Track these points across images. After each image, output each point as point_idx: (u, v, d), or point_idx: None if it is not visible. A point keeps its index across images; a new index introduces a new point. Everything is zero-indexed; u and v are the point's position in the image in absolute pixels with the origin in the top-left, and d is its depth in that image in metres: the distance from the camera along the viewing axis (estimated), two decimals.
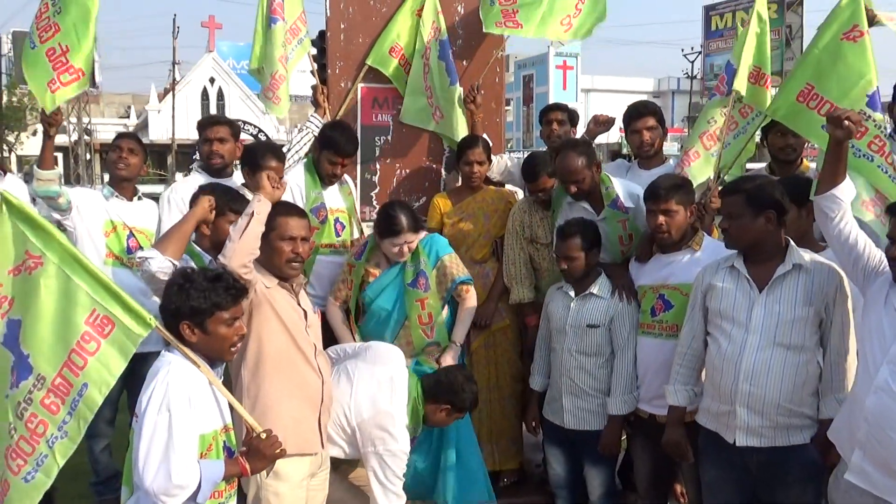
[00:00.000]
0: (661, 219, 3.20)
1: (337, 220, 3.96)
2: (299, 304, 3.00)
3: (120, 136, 4.06)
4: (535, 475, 4.27)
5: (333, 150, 3.85)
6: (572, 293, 3.48)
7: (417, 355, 3.55)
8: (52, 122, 3.64)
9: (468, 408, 3.31)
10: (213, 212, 3.01)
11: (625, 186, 3.66)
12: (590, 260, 3.43)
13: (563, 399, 3.48)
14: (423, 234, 3.68)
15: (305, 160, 4.06)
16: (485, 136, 4.26)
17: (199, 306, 2.40)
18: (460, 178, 4.20)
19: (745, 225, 2.84)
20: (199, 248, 3.09)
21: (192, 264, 2.96)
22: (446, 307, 3.73)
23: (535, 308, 3.90)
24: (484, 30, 4.28)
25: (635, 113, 4.12)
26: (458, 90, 4.30)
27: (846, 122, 2.56)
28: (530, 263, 4.02)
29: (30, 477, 2.40)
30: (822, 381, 2.83)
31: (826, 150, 2.73)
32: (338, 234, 3.95)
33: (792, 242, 2.89)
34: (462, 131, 4.30)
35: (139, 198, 3.99)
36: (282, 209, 2.94)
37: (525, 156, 4.25)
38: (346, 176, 4.09)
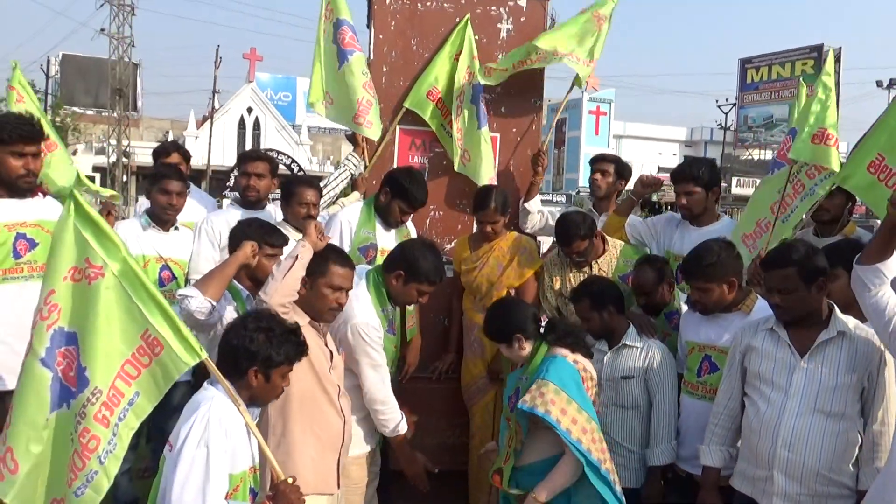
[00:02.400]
0: (696, 294, 3.22)
1: None
2: (326, 345, 3.02)
3: (167, 176, 3.99)
4: None
5: (408, 203, 3.88)
6: (605, 347, 3.46)
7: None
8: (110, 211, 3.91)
9: (426, 274, 3.25)
10: (256, 258, 3.05)
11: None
12: (606, 319, 3.42)
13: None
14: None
15: (367, 199, 4.10)
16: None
17: (275, 357, 2.45)
18: None
19: (802, 298, 2.78)
20: (236, 284, 3.14)
21: (230, 297, 3.01)
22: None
23: None
24: (580, 86, 4.45)
25: (674, 177, 4.06)
26: (487, 133, 4.32)
27: None
28: (557, 313, 4.00)
29: (80, 492, 2.38)
30: (862, 450, 2.76)
31: (882, 223, 2.66)
32: None
33: (836, 308, 2.84)
34: (486, 174, 4.30)
35: (176, 227, 4.01)
36: (335, 257, 2.99)
37: (557, 207, 4.24)
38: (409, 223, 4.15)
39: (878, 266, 2.58)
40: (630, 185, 4.53)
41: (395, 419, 3.31)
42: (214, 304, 2.79)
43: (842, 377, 2.74)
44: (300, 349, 2.55)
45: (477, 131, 4.32)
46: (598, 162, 4.67)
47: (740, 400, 2.98)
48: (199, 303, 2.76)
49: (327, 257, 2.94)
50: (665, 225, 4.16)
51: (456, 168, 4.40)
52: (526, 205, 4.35)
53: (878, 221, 3.25)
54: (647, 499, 3.35)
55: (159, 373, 2.39)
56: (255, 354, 2.44)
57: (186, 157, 4.69)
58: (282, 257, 3.17)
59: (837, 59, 37.15)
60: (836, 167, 3.65)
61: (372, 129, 4.33)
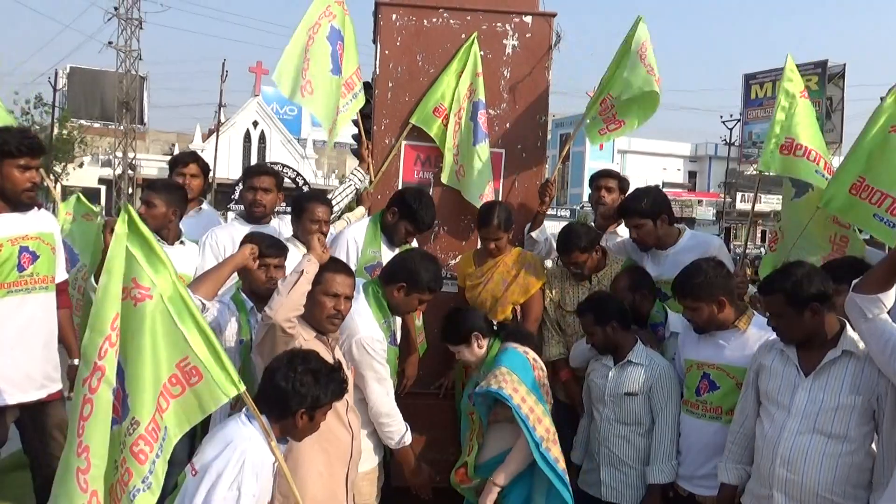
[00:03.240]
0: (687, 314, 3.24)
1: None
2: (334, 359, 3.01)
3: (148, 187, 4.01)
4: None
5: (414, 225, 3.90)
6: (611, 363, 3.45)
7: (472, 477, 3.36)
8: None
9: (427, 284, 3.34)
10: (255, 262, 3.07)
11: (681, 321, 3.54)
12: (610, 333, 3.42)
13: (602, 470, 3.42)
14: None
15: (372, 217, 4.09)
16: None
17: (323, 398, 2.50)
18: None
19: (792, 323, 2.79)
20: (243, 296, 3.14)
21: (235, 309, 3.01)
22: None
23: (565, 363, 3.91)
24: (590, 143, 4.38)
25: (621, 212, 4.07)
26: (484, 149, 4.30)
27: None
28: (557, 327, 4.01)
29: None
30: (874, 473, 2.73)
31: (887, 258, 2.61)
32: None
33: (847, 326, 2.81)
34: (477, 191, 4.27)
35: (181, 241, 3.97)
36: (330, 265, 3.01)
37: (562, 221, 4.25)
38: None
39: (878, 296, 2.55)
40: None
41: (399, 431, 3.32)
42: (206, 302, 2.78)
43: (844, 398, 2.71)
44: (343, 387, 2.60)
45: (472, 147, 4.31)
46: (601, 179, 4.66)
47: (755, 419, 2.97)
48: None
49: (323, 266, 2.95)
50: (633, 250, 4.12)
51: (445, 180, 4.40)
52: (532, 234, 4.33)
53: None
54: None
55: (193, 403, 2.33)
56: (304, 396, 2.46)
57: (205, 170, 4.59)
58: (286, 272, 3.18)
59: (842, 76, 37.26)
60: (808, 178, 3.65)
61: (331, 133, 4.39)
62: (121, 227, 2.30)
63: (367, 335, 3.21)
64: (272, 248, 3.21)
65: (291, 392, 2.45)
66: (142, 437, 2.27)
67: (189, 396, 2.33)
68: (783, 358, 2.87)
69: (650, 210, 3.87)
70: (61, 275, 3.64)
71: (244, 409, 2.49)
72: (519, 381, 3.18)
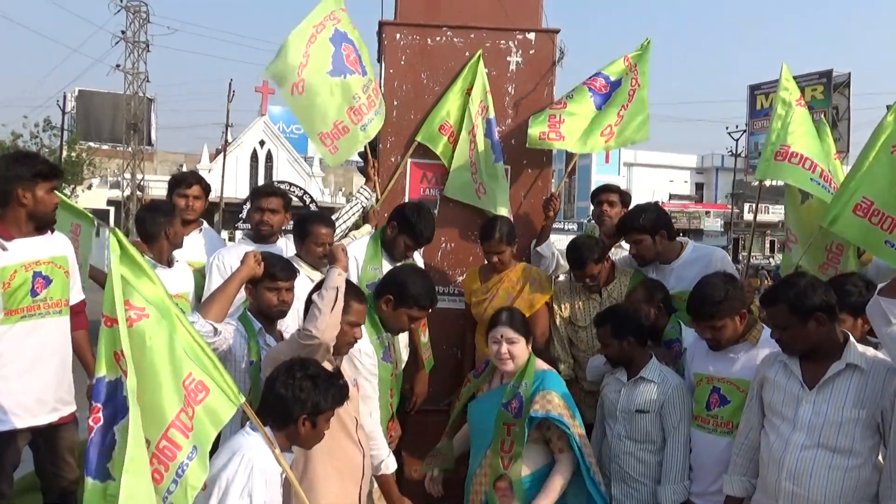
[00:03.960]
0: (709, 334, 3.17)
1: None
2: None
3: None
4: None
5: (413, 239, 3.90)
6: (624, 378, 3.44)
7: (488, 492, 3.24)
8: None
9: (415, 299, 3.27)
10: (261, 266, 3.05)
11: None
12: (626, 347, 3.39)
13: (613, 487, 3.38)
14: (526, 345, 3.32)
15: (373, 234, 4.09)
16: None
17: (323, 404, 2.51)
18: None
19: (796, 334, 2.76)
20: (251, 317, 3.12)
21: (243, 330, 3.01)
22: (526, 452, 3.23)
23: (571, 384, 3.84)
24: (527, 144, 4.37)
25: (620, 229, 4.07)
26: (502, 167, 4.39)
27: None
28: (566, 343, 3.99)
29: None
30: (880, 487, 2.70)
31: None
32: None
33: (851, 339, 2.79)
34: (503, 208, 4.33)
35: (177, 261, 3.95)
36: (354, 293, 3.00)
37: (569, 235, 4.26)
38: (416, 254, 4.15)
39: None
40: None
41: (379, 456, 3.23)
42: (217, 326, 2.77)
43: (848, 412, 2.68)
44: (343, 392, 2.60)
45: (494, 165, 4.36)
46: (602, 194, 4.65)
47: (760, 431, 2.95)
48: (200, 326, 2.74)
49: (347, 294, 2.92)
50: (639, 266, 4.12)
51: (460, 197, 4.43)
52: (538, 249, 4.34)
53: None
54: None
55: (205, 421, 2.33)
56: (304, 402, 2.48)
57: (206, 190, 4.51)
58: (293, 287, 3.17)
59: (847, 85, 37.22)
60: (802, 185, 3.64)
61: (335, 155, 4.24)
62: (114, 250, 2.30)
63: (356, 348, 3.17)
64: (285, 272, 3.16)
65: (292, 399, 2.47)
66: (154, 457, 2.24)
67: (200, 415, 2.33)
68: (786, 371, 2.85)
69: (649, 226, 3.88)
70: (77, 296, 3.65)
71: (248, 423, 2.51)
72: (568, 406, 3.19)
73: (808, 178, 3.71)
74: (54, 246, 3.54)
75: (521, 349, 3.29)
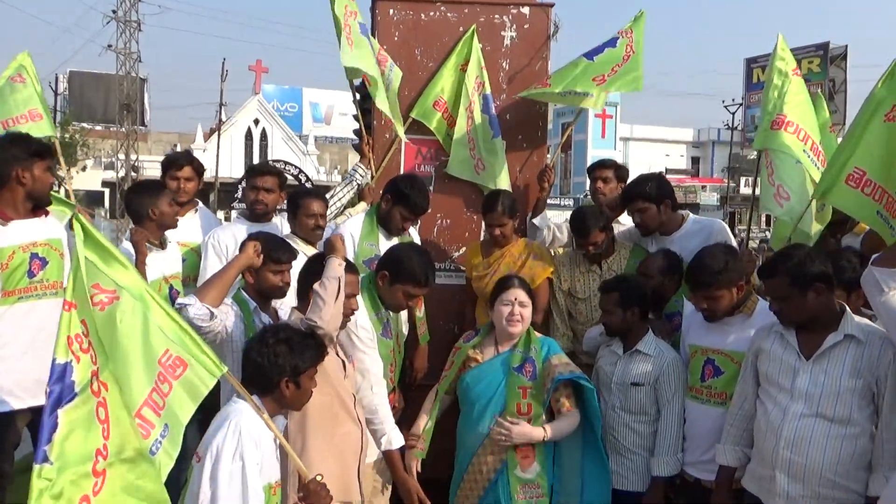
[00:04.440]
0: (705, 304, 3.19)
1: None
2: (338, 354, 3.03)
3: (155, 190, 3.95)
4: None
5: (409, 209, 3.87)
6: (620, 350, 3.46)
7: (508, 456, 3.27)
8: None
9: (410, 275, 3.27)
10: (261, 257, 3.05)
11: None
12: (629, 317, 3.41)
13: (609, 457, 3.41)
14: (530, 307, 3.40)
15: (368, 210, 4.08)
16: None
17: (301, 364, 2.52)
18: None
19: (796, 304, 2.78)
20: (245, 295, 3.13)
21: (239, 310, 3.01)
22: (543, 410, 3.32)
23: (570, 356, 3.88)
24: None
25: (624, 197, 4.05)
26: (500, 142, 4.37)
27: None
28: (566, 316, 4.00)
29: None
30: (873, 455, 2.73)
31: None
32: None
33: (848, 310, 2.82)
34: (503, 182, 4.34)
35: (169, 242, 3.93)
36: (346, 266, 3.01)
37: (566, 211, 4.25)
38: (411, 229, 4.13)
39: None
40: None
41: (382, 431, 3.22)
42: (213, 310, 2.78)
43: (845, 382, 2.71)
44: (321, 350, 2.63)
45: (492, 140, 4.36)
46: (597, 170, 4.63)
47: (754, 402, 2.98)
48: (196, 310, 2.74)
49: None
50: (639, 238, 4.14)
51: (457, 172, 4.42)
52: (534, 221, 4.33)
53: None
54: None
55: (184, 396, 2.37)
56: (282, 367, 2.50)
57: (200, 171, 4.46)
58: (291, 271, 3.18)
59: (844, 57, 37.08)
60: (797, 155, 3.64)
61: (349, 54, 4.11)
62: (78, 236, 2.30)
63: (353, 322, 3.18)
64: (287, 254, 3.16)
65: (269, 365, 2.50)
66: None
67: (178, 390, 2.37)
68: (783, 342, 2.87)
69: (654, 195, 3.88)
70: None
71: (236, 393, 2.53)
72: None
73: (801, 149, 3.72)
74: (50, 228, 3.56)
75: (529, 314, 3.37)
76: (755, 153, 4.00)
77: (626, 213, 4.25)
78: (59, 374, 2.17)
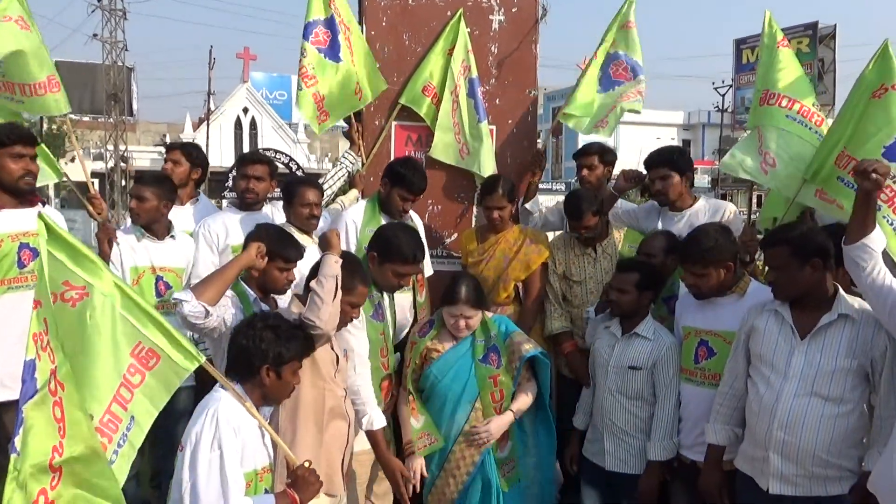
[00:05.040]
0: (692, 280, 3.21)
1: None
2: (332, 349, 3.03)
3: (137, 181, 4.01)
4: None
5: (406, 189, 3.87)
6: (618, 332, 3.46)
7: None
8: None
9: (397, 252, 3.30)
10: (265, 259, 3.00)
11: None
12: (641, 300, 3.42)
13: (605, 440, 3.44)
14: (482, 314, 3.49)
15: (370, 197, 4.06)
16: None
17: (285, 353, 2.50)
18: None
19: (793, 276, 2.80)
20: (245, 287, 3.10)
21: (238, 301, 3.00)
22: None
23: (570, 336, 3.91)
24: (584, 133, 4.45)
25: (648, 163, 4.05)
26: (486, 127, 4.36)
27: (873, 175, 2.54)
28: (561, 299, 4.01)
29: None
30: (871, 432, 2.76)
31: (855, 200, 2.70)
32: None
33: (841, 290, 2.83)
34: (488, 167, 4.32)
35: (172, 236, 3.92)
36: (360, 276, 3.03)
37: (559, 192, 4.25)
38: (411, 212, 4.11)
39: (863, 242, 2.61)
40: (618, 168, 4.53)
41: (363, 412, 3.22)
42: (209, 308, 2.73)
43: (840, 361, 2.73)
44: (308, 344, 2.61)
45: (478, 125, 4.34)
46: (581, 157, 4.54)
47: (745, 381, 2.99)
48: (191, 307, 2.71)
49: (353, 275, 2.95)
50: (646, 215, 4.16)
51: (442, 157, 4.40)
52: (527, 206, 4.33)
53: None
54: (644, 493, 3.35)
55: (156, 386, 2.38)
56: (265, 352, 2.48)
57: (191, 157, 4.43)
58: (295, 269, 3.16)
59: (833, 37, 37.03)
60: (779, 124, 3.66)
61: (325, 122, 4.31)
62: (41, 233, 2.31)
63: None
64: (295, 252, 3.11)
65: (253, 348, 2.48)
66: (98, 430, 2.32)
67: (150, 381, 2.38)
68: (777, 319, 2.89)
69: (680, 164, 3.93)
70: None
71: (217, 383, 2.52)
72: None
73: (783, 116, 3.69)
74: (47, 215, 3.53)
75: (476, 322, 3.44)
76: (746, 134, 3.99)
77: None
78: (28, 371, 2.26)
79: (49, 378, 2.25)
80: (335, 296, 2.77)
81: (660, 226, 3.97)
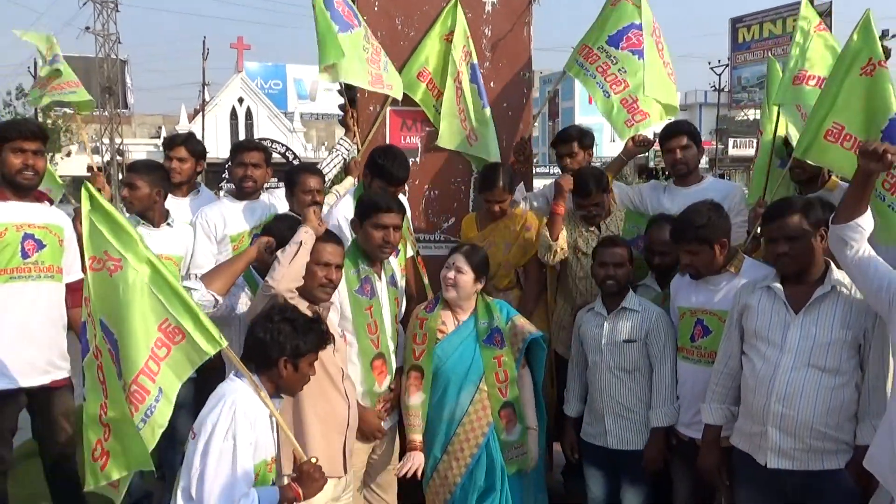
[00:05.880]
0: (687, 259, 3.21)
1: None
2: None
3: (129, 168, 4.00)
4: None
5: (385, 180, 3.80)
6: (604, 311, 3.48)
7: (494, 420, 3.40)
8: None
9: (369, 203, 3.35)
10: (273, 255, 3.02)
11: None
12: (628, 275, 3.47)
13: (606, 420, 3.45)
14: (482, 295, 3.52)
15: (355, 189, 4.04)
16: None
17: (303, 346, 2.53)
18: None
19: (808, 246, 2.80)
20: (255, 273, 3.15)
21: (245, 284, 3.04)
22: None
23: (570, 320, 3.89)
24: (621, 139, 4.25)
25: (669, 132, 4.07)
26: (489, 112, 4.34)
27: (889, 156, 2.47)
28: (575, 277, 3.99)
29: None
30: (859, 405, 2.77)
31: (853, 179, 2.68)
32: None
33: (832, 264, 2.85)
34: (496, 154, 4.31)
35: (169, 223, 3.92)
36: (326, 237, 3.03)
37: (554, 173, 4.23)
38: (400, 196, 4.02)
39: (855, 222, 2.59)
40: (614, 151, 4.52)
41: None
42: (219, 298, 2.82)
43: (836, 333, 2.75)
44: (324, 337, 2.64)
45: (483, 110, 4.32)
46: (560, 145, 4.44)
47: (739, 359, 3.00)
48: (201, 295, 2.79)
49: (320, 237, 2.98)
50: (650, 191, 4.18)
51: (449, 145, 4.37)
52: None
53: None
54: (649, 461, 3.38)
55: (181, 360, 2.47)
56: (283, 345, 2.51)
57: (195, 151, 4.45)
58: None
59: (829, 13, 36.83)
60: (809, 103, 3.66)
61: (395, 89, 4.23)
62: (85, 203, 2.47)
63: None
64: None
65: (270, 341, 2.51)
66: (129, 399, 2.45)
67: (176, 354, 2.47)
68: (770, 296, 2.90)
69: (698, 137, 4.07)
70: (76, 274, 3.64)
71: (234, 370, 2.55)
72: None
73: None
74: (51, 214, 3.59)
75: (466, 281, 3.42)
76: (744, 114, 4.03)
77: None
78: (83, 331, 2.60)
79: (94, 342, 2.51)
80: (293, 259, 2.82)
81: (665, 202, 3.98)
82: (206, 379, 3.06)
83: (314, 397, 2.93)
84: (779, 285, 2.88)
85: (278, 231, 3.14)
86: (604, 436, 3.48)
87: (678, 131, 4.03)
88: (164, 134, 40.38)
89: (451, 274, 3.42)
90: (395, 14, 4.42)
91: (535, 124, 4.71)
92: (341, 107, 4.60)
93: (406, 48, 4.43)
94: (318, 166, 4.33)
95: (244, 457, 2.38)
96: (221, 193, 4.62)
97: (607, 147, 30.89)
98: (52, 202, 3.64)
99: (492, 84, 4.48)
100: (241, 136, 37.07)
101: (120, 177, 31.68)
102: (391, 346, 3.45)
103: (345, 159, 4.45)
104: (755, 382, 2.87)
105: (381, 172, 3.80)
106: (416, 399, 3.41)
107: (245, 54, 40.00)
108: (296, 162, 22.64)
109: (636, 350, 3.39)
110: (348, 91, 4.54)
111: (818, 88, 3.70)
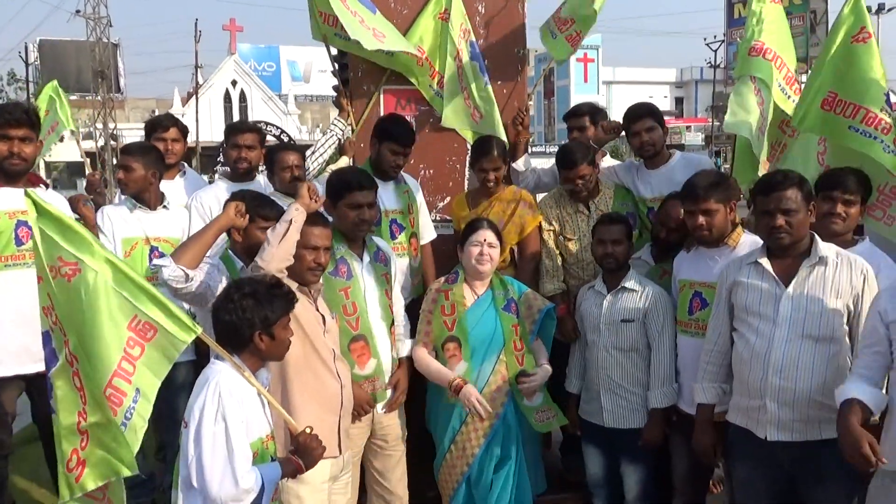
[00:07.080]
0: (701, 219, 3.18)
1: (394, 221, 3.87)
2: (318, 310, 3.03)
3: (123, 151, 4.01)
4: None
5: (394, 141, 3.79)
6: (604, 290, 3.48)
7: (512, 388, 3.43)
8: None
9: (340, 182, 3.33)
10: (245, 217, 3.01)
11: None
12: (627, 252, 3.46)
13: (602, 398, 3.47)
14: (499, 248, 3.57)
15: (363, 164, 4.00)
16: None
17: (271, 315, 2.49)
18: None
19: (803, 219, 2.82)
20: (233, 255, 3.10)
21: (224, 269, 3.00)
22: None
23: (563, 298, 3.90)
24: (557, 59, 4.47)
25: (632, 115, 4.06)
26: (491, 88, 4.31)
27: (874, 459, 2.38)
28: (557, 259, 4.01)
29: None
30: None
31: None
32: (394, 237, 3.84)
33: (817, 237, 2.87)
34: (502, 130, 4.28)
35: (165, 206, 3.92)
36: (313, 219, 2.98)
37: (551, 158, 4.20)
38: (404, 174, 4.04)
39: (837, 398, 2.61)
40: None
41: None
42: (188, 272, 2.73)
43: (827, 301, 2.77)
44: (290, 297, 2.59)
45: (485, 87, 4.29)
46: (571, 119, 4.54)
47: (729, 336, 3.01)
48: (170, 271, 2.71)
49: (308, 220, 2.93)
50: (625, 172, 4.18)
51: (454, 125, 4.35)
52: (514, 165, 4.29)
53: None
54: (648, 442, 3.40)
55: (157, 357, 2.41)
56: (252, 320, 2.47)
57: (185, 132, 4.51)
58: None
59: None
60: (766, 77, 3.66)
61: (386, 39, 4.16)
62: (31, 211, 2.39)
63: None
64: (273, 210, 3.10)
65: (238, 321, 2.47)
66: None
67: (150, 353, 2.41)
68: (759, 271, 2.90)
69: (661, 117, 4.04)
70: None
71: (214, 354, 2.52)
72: None
73: (776, 80, 3.72)
74: (45, 199, 3.51)
75: (497, 254, 3.51)
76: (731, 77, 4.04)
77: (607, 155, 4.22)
78: (46, 341, 2.48)
79: (64, 349, 2.43)
80: (283, 238, 2.77)
81: (640, 188, 4.01)
82: (205, 361, 3.05)
83: (303, 377, 2.91)
84: (766, 259, 2.89)
85: (242, 199, 3.08)
86: (600, 414, 3.50)
87: (641, 113, 4.01)
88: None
89: (486, 250, 3.46)
90: None
91: (531, 102, 4.68)
92: (335, 87, 4.57)
93: (400, 27, 4.38)
94: (313, 148, 4.32)
95: (238, 437, 2.36)
96: (216, 177, 4.61)
97: None
98: (48, 186, 3.61)
99: (487, 61, 4.43)
100: (236, 119, 36.92)
101: (114, 161, 31.56)
102: (376, 328, 3.37)
103: (339, 139, 4.42)
104: (750, 357, 2.88)
105: (390, 135, 3.80)
106: (460, 368, 3.42)
107: (238, 36, 39.73)
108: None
109: (634, 330, 3.39)
110: (342, 72, 4.51)
111: (773, 66, 3.70)
